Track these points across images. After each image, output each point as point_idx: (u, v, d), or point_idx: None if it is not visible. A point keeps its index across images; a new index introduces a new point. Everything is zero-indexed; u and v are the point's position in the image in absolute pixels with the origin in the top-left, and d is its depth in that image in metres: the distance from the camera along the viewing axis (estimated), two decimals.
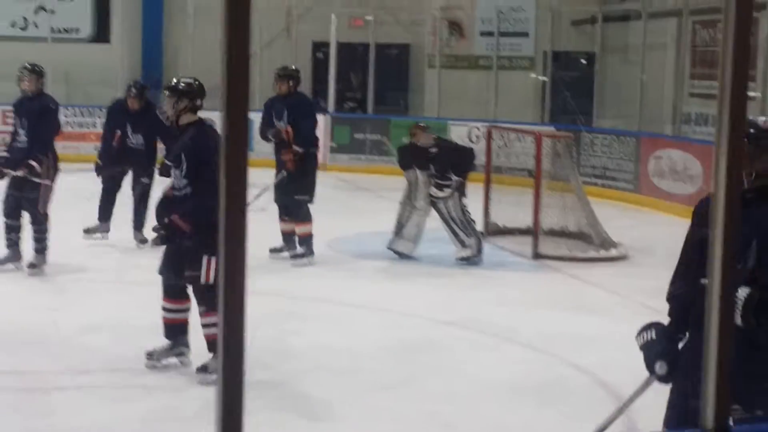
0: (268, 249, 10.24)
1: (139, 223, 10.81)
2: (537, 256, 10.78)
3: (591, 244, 11.13)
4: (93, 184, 11.04)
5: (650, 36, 16.71)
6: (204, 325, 6.50)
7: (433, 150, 10.50)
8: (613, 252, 11.00)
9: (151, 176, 10.73)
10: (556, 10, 18.30)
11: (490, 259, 10.52)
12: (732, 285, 1.79)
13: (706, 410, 1.80)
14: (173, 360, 6.73)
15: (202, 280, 6.43)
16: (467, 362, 7.13)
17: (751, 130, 3.83)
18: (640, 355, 4.06)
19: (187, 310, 6.73)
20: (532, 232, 10.95)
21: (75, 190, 11.95)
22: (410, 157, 10.73)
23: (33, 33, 19.80)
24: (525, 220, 11.47)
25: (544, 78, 18.64)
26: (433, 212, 10.55)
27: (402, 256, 10.57)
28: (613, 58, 18.50)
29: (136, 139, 10.92)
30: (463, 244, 10.38)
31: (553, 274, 10.27)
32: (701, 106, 16.18)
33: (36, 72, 9.78)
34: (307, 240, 10.29)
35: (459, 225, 10.39)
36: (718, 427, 1.84)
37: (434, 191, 10.44)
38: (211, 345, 6.44)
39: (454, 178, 10.39)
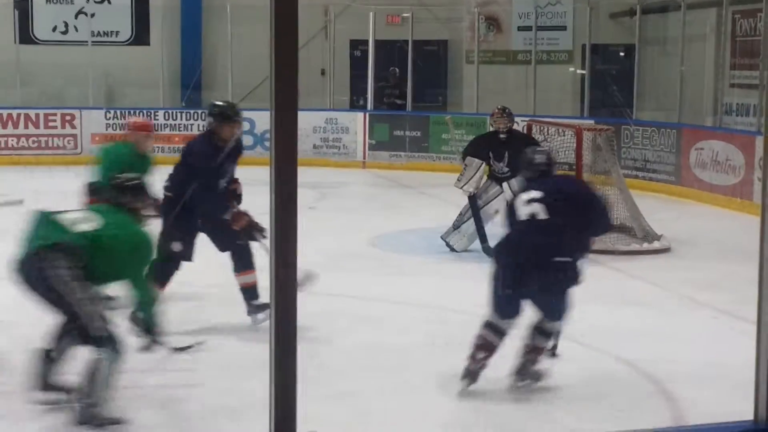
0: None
1: None
2: None
3: (633, 236, 11.08)
4: None
5: (690, 27, 16.61)
6: None
7: (503, 136, 10.52)
8: (656, 244, 10.95)
9: None
10: (593, 3, 18.21)
11: None
12: None
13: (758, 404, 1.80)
14: None
15: None
16: (515, 357, 7.12)
17: None
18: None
19: None
20: None
21: None
22: (484, 145, 10.69)
23: (74, 37, 19.99)
24: None
25: (583, 71, 18.58)
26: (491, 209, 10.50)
27: (452, 249, 10.61)
28: (653, 50, 18.41)
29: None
30: None
31: (595, 267, 10.15)
32: (742, 97, 16.08)
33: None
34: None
35: None
36: None
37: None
38: None
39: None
